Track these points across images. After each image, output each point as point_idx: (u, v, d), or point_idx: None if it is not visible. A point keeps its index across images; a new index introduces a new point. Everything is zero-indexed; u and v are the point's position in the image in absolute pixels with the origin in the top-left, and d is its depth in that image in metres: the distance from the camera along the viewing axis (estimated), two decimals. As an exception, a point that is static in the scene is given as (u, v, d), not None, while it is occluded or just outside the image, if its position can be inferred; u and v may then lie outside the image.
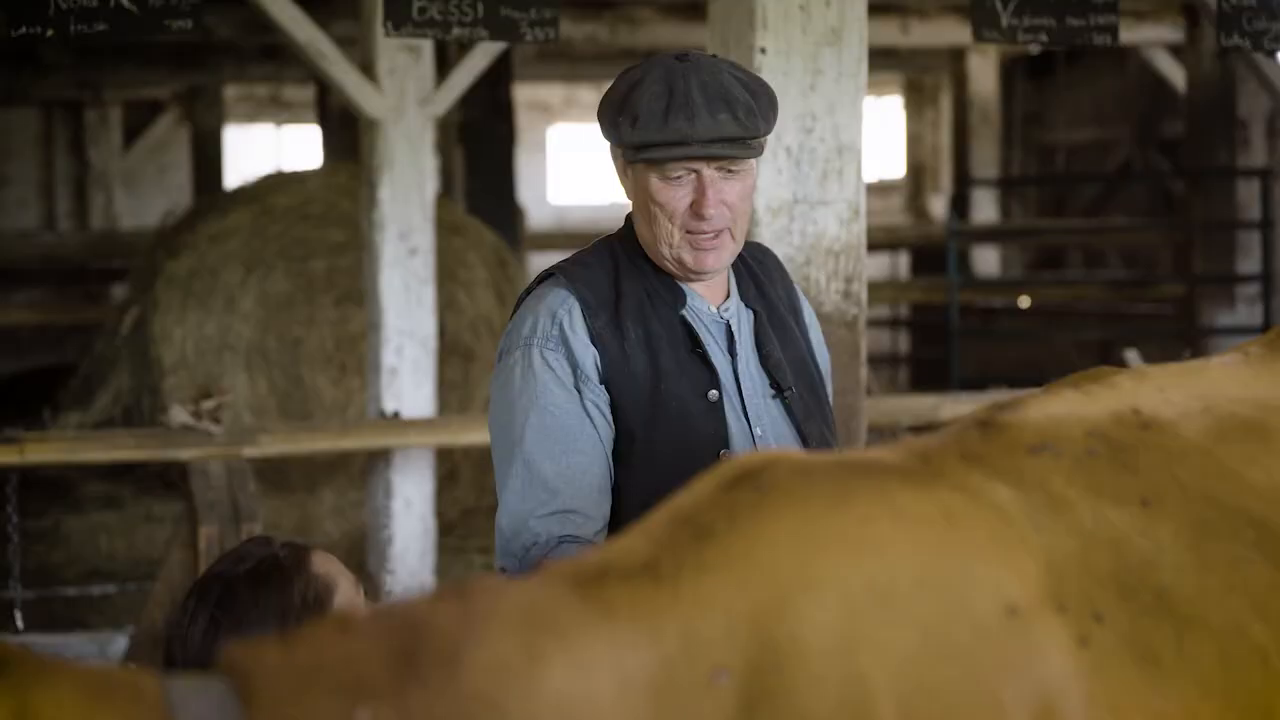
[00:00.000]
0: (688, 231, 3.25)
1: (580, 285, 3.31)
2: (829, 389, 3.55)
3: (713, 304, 3.37)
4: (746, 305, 3.42)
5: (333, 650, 1.70)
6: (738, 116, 3.20)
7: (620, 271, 3.34)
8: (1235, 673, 2.00)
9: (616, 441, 3.27)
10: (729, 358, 3.34)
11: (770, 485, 1.93)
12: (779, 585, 1.83)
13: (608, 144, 3.35)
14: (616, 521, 3.24)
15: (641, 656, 1.76)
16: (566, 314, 3.27)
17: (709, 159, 3.22)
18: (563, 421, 3.23)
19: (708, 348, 3.31)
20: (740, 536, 1.87)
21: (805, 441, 3.35)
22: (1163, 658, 1.97)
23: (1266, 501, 2.16)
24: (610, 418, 3.26)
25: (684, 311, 3.33)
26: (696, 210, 3.23)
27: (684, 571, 1.83)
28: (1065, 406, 2.22)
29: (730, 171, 3.25)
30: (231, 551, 3.18)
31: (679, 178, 3.23)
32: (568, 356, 3.25)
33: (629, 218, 3.40)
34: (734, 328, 3.37)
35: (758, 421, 3.33)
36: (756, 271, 3.48)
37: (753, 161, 3.30)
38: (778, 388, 3.36)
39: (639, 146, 3.22)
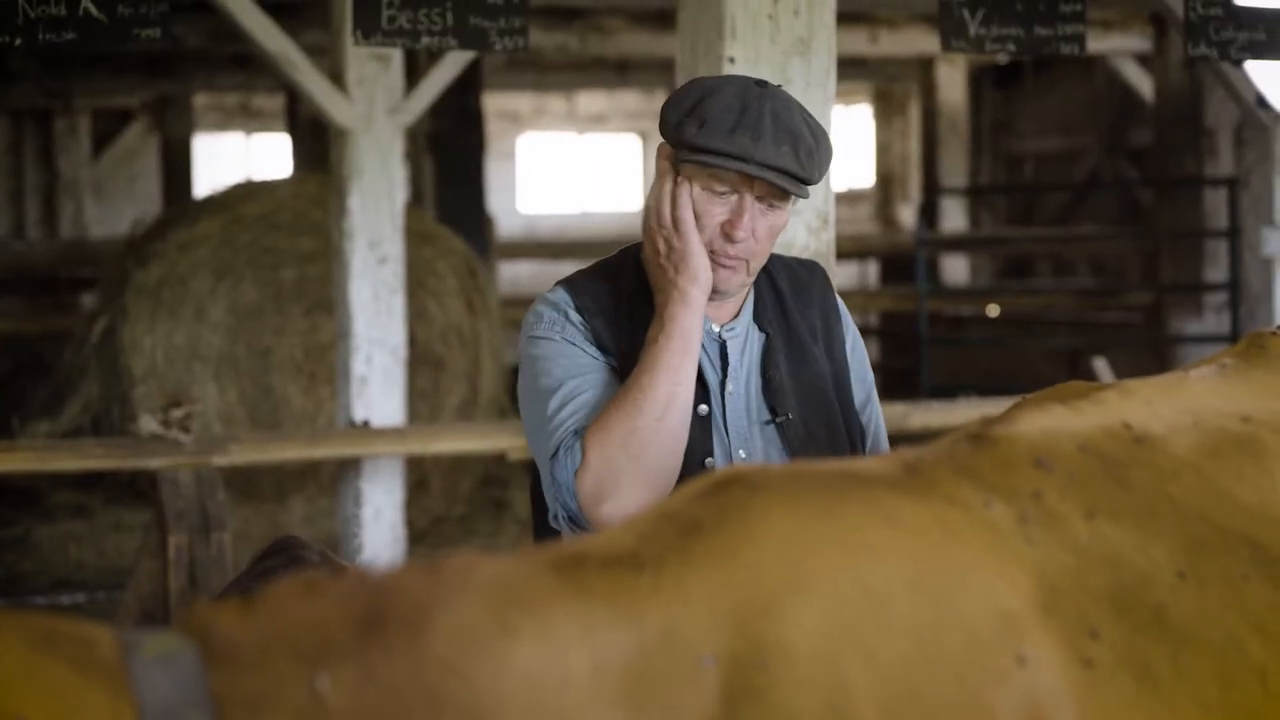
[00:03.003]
0: (712, 251, 3.24)
1: (584, 295, 3.33)
2: (868, 414, 3.50)
3: (715, 323, 3.34)
4: (760, 328, 3.39)
5: (298, 613, 1.69)
6: (799, 155, 3.19)
7: (626, 283, 3.35)
8: (1233, 691, 2.00)
9: None
10: (720, 376, 3.33)
11: (761, 487, 1.92)
12: (767, 585, 1.82)
13: (661, 145, 3.34)
14: None
15: (618, 640, 1.75)
16: (569, 309, 3.30)
17: (761, 181, 3.20)
18: (575, 360, 3.26)
19: (700, 363, 3.28)
20: (728, 535, 1.86)
21: None
22: (1160, 676, 1.96)
23: (1259, 522, 2.15)
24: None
25: None
26: (728, 231, 3.22)
27: (667, 564, 1.82)
28: (1056, 420, 2.21)
29: (772, 206, 3.24)
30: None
31: (723, 194, 3.23)
32: (578, 337, 3.29)
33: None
34: (730, 347, 3.35)
35: (740, 444, 3.30)
36: (784, 293, 3.45)
37: (790, 204, 3.28)
38: (774, 413, 3.33)
39: (699, 150, 3.21)
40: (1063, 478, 2.09)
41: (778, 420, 3.32)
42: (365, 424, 8.17)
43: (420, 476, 10.35)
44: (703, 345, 3.30)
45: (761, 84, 3.28)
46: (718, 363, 3.34)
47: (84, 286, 16.32)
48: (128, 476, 9.88)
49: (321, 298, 10.21)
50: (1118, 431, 2.21)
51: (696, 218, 3.23)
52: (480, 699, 1.68)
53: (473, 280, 11.06)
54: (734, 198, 3.23)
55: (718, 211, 3.23)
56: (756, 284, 3.41)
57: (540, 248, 19.21)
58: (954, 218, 18.30)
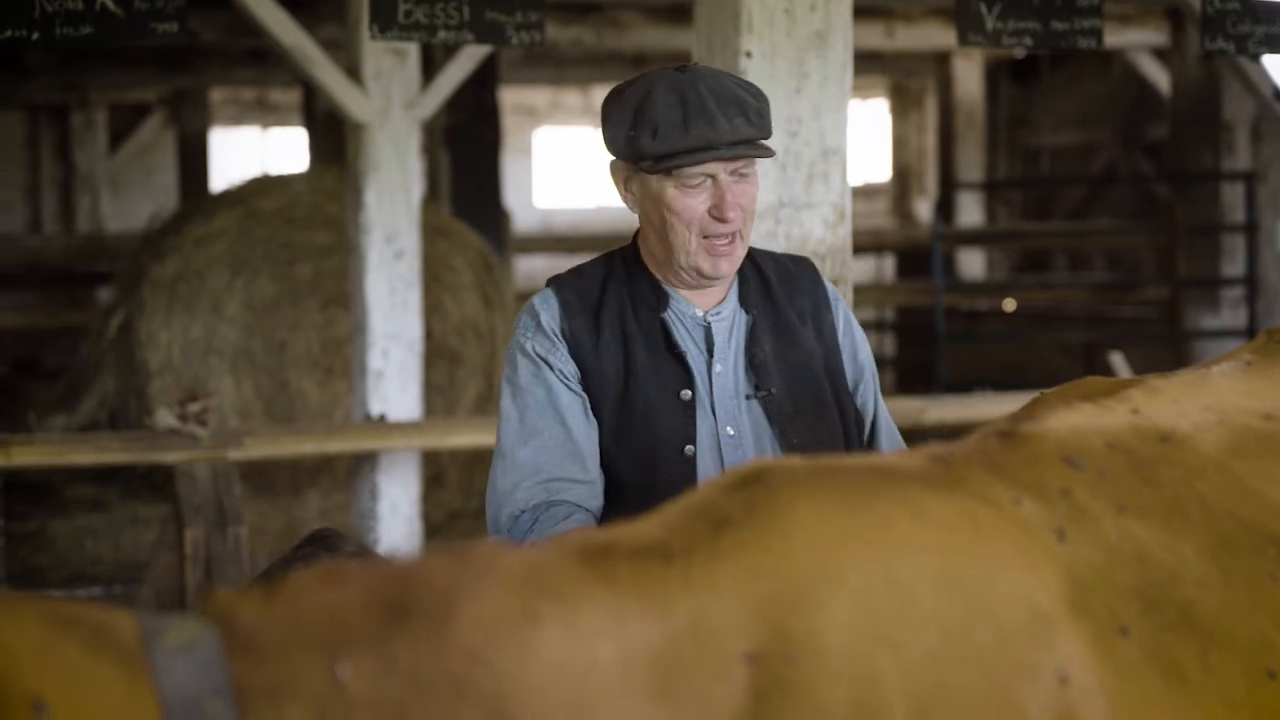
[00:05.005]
0: (705, 236, 3.29)
1: (567, 291, 3.40)
2: (861, 394, 3.52)
3: (701, 308, 3.41)
4: (745, 311, 3.44)
5: (319, 601, 1.68)
6: (750, 118, 3.27)
7: (612, 278, 3.42)
8: (1260, 689, 2.00)
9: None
10: (706, 358, 3.38)
11: (790, 481, 1.92)
12: (797, 577, 1.82)
13: (610, 159, 3.40)
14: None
15: (646, 631, 1.74)
16: (545, 310, 3.38)
17: (732, 160, 3.26)
18: (537, 397, 3.36)
19: (685, 348, 3.37)
20: (757, 528, 1.86)
21: (786, 443, 3.35)
22: (1188, 673, 1.97)
23: None
24: (585, 394, 3.36)
25: (665, 314, 3.39)
26: (717, 214, 3.27)
27: (696, 555, 1.81)
28: (1085, 418, 2.21)
29: (742, 175, 3.30)
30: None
31: (698, 185, 3.28)
32: (546, 344, 3.37)
33: (637, 234, 3.47)
34: (715, 330, 3.40)
35: (728, 421, 3.36)
36: (770, 279, 3.50)
37: (757, 164, 3.35)
38: (757, 389, 3.38)
39: (663, 157, 3.26)
40: (1092, 475, 2.09)
41: (760, 395, 3.38)
42: (381, 418, 8.17)
43: (436, 471, 10.35)
44: (687, 330, 3.39)
45: (681, 69, 3.35)
46: (703, 345, 3.39)
47: (100, 281, 16.34)
48: (144, 471, 9.88)
49: (337, 292, 10.22)
50: (1145, 429, 2.21)
51: (679, 216, 3.30)
52: (504, 687, 1.66)
53: (488, 275, 11.07)
54: (708, 183, 3.28)
55: (699, 202, 3.29)
56: (741, 270, 3.46)
57: (556, 242, 19.18)
58: (970, 212, 18.26)
